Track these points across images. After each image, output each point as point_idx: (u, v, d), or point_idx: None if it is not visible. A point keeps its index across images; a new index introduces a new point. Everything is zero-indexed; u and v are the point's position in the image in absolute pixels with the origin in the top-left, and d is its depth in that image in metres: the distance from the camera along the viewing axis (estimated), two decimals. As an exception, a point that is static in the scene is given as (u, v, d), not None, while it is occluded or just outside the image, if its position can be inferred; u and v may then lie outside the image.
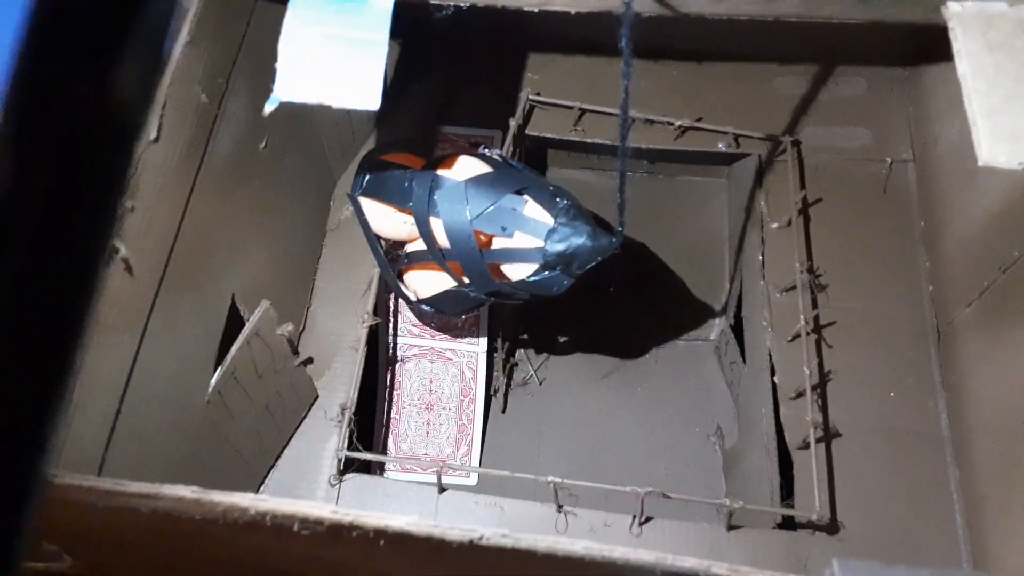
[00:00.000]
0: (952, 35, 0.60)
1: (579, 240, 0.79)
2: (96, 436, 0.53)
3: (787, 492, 0.91)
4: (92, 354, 0.51)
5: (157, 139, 0.55)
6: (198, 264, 0.66)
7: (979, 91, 0.51)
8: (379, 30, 0.58)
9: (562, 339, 1.20)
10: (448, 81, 1.13)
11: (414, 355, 1.05)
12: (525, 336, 1.19)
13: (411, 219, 0.86)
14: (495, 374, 1.10)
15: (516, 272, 0.84)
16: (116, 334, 0.54)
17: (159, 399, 0.61)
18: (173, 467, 0.66)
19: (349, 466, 0.87)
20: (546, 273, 0.81)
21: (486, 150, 0.90)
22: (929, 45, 1.06)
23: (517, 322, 1.18)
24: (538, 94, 1.10)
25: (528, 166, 0.92)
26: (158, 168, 0.55)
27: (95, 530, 0.50)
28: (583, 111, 1.10)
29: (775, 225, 1.04)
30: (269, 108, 0.54)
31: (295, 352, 0.84)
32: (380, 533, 0.43)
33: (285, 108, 0.68)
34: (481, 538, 0.43)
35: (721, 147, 1.11)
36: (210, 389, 0.70)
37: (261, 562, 0.51)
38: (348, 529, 0.43)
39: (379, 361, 1.03)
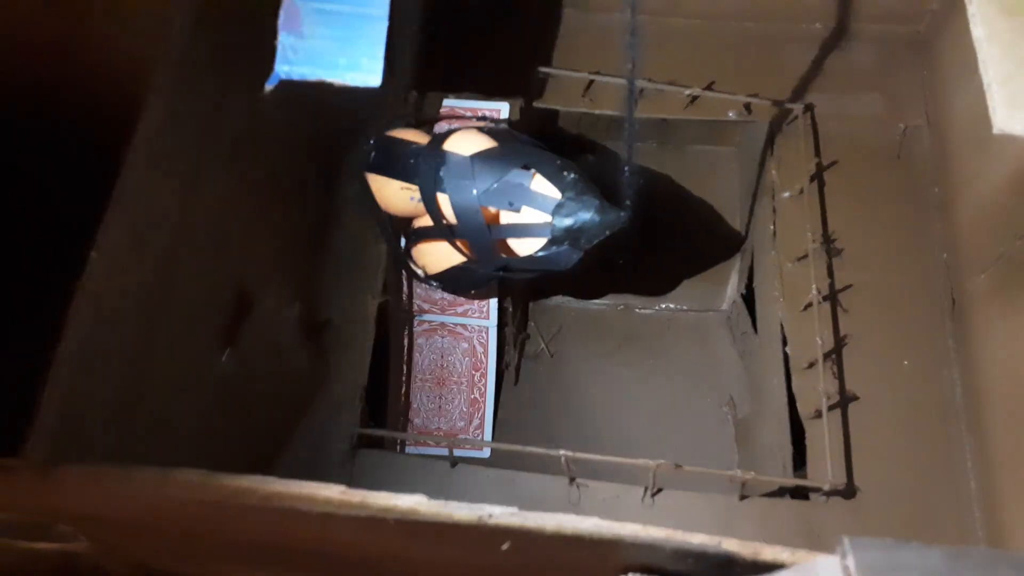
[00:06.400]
0: (967, -3, 0.58)
1: (587, 215, 0.79)
2: (107, 417, 0.53)
3: (800, 462, 0.91)
4: (102, 334, 0.51)
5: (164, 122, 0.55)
6: (202, 244, 0.66)
7: (994, 56, 0.50)
8: (379, 5, 0.58)
9: (573, 312, 1.20)
10: (454, 53, 1.12)
11: (425, 331, 1.05)
12: (536, 310, 1.19)
13: (418, 195, 0.86)
14: (506, 348, 1.10)
15: (524, 247, 0.83)
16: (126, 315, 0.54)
17: (168, 379, 0.62)
18: (187, 445, 0.67)
19: (362, 443, 0.88)
20: (554, 248, 0.81)
21: (492, 123, 0.89)
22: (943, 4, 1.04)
23: (528, 296, 1.18)
24: (547, 65, 1.08)
25: (536, 138, 0.91)
26: (163, 148, 0.55)
27: (107, 513, 0.50)
28: (591, 80, 1.08)
29: (786, 194, 1.03)
30: (269, 87, 0.54)
31: (304, 332, 0.84)
32: (388, 511, 0.43)
33: (288, 85, 0.68)
34: (490, 516, 0.43)
35: (731, 116, 1.09)
36: (218, 370, 0.70)
37: (274, 542, 0.52)
38: (357, 508, 0.43)
39: (390, 337, 1.03)
